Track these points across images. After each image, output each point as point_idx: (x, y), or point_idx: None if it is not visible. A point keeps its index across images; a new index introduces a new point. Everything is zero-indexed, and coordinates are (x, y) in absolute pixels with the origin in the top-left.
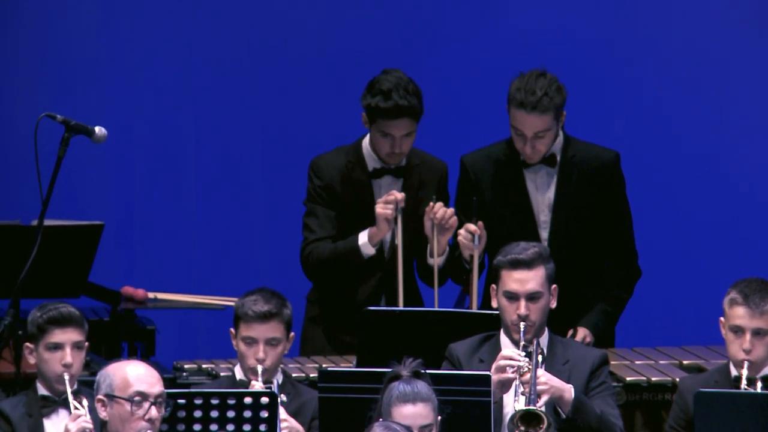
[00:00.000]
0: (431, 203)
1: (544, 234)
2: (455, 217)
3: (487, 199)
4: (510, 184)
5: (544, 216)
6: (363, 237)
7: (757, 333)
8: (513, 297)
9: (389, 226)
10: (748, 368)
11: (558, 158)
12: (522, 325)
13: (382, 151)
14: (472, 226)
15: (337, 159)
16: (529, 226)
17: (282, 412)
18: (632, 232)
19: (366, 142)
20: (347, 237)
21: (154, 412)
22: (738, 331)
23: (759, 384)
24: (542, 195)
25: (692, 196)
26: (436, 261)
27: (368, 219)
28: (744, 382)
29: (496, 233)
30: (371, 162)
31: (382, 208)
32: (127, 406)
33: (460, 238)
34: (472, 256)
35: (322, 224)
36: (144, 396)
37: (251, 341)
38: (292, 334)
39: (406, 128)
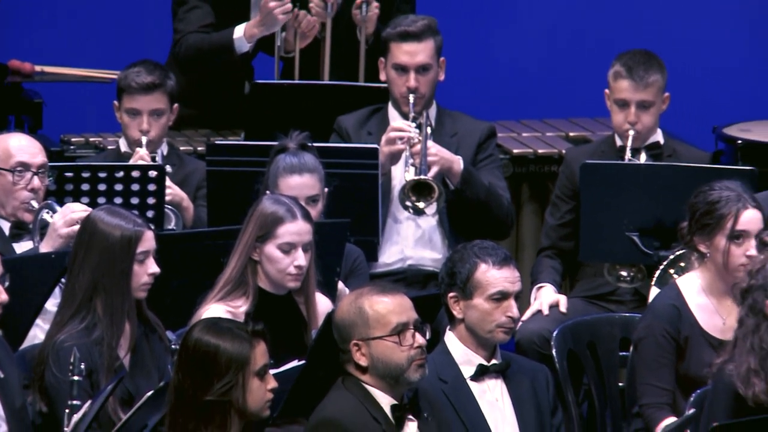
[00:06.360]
0: (295, 10)
1: None
2: (317, 26)
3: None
4: None
5: None
6: (239, 30)
7: (642, 105)
8: (402, 69)
9: (275, 24)
10: (633, 139)
11: None
12: (411, 97)
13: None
14: None
15: None
16: None
17: (167, 180)
18: None
19: None
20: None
21: (36, 182)
22: (623, 104)
23: (643, 154)
24: None
25: None
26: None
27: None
28: (629, 152)
29: None
30: None
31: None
32: (10, 177)
33: (312, 5)
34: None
35: (200, 17)
36: (26, 166)
37: (135, 113)
38: (175, 105)
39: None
